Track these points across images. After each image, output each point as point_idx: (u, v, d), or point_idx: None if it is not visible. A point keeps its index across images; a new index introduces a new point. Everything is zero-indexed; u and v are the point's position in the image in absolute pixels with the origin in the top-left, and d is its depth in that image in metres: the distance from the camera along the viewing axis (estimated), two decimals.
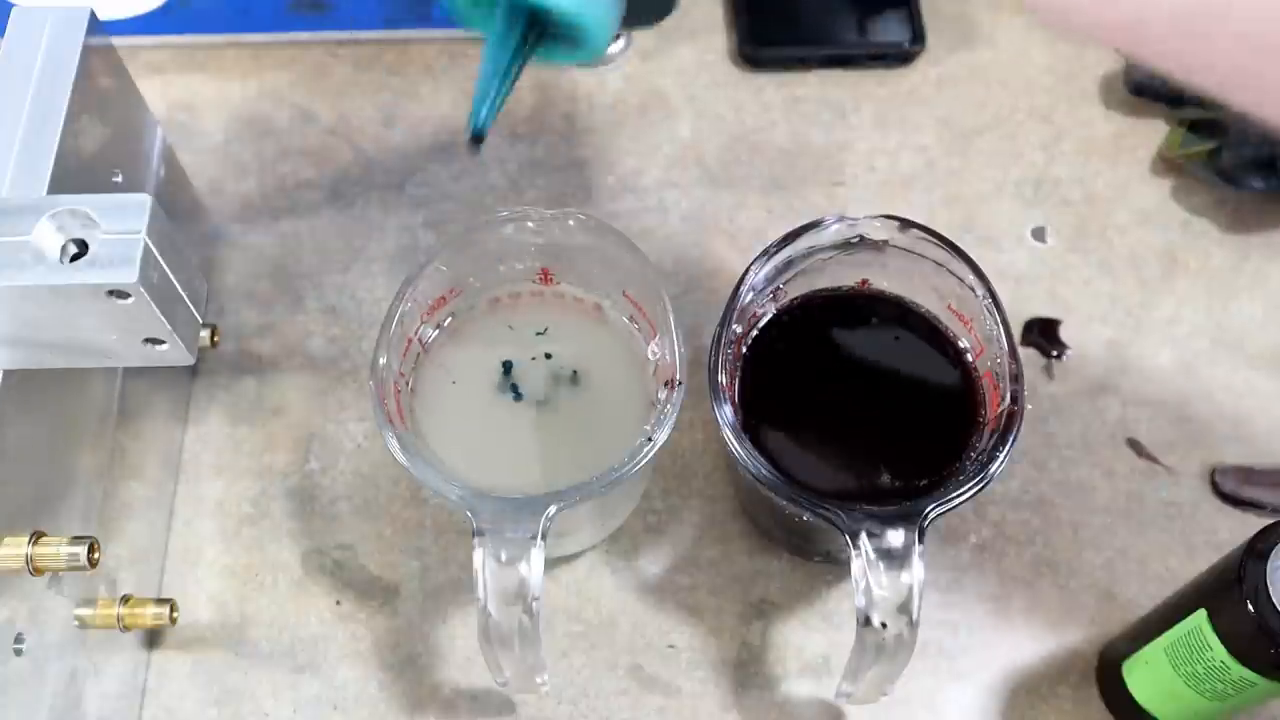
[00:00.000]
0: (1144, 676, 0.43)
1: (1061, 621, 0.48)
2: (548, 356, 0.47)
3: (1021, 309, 0.54)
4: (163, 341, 0.36)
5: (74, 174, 0.41)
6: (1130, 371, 0.53)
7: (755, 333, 0.47)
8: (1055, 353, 0.53)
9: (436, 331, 0.47)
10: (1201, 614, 0.38)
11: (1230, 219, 0.57)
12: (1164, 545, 0.49)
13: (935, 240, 0.44)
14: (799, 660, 0.47)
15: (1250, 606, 0.36)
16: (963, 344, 0.46)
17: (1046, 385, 0.53)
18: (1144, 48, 0.30)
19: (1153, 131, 0.59)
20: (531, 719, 0.46)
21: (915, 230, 0.44)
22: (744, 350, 0.46)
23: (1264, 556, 0.36)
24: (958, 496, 0.40)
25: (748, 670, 0.47)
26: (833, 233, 0.45)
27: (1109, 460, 0.51)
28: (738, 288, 0.44)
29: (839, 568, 0.49)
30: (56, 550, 0.37)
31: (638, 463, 0.40)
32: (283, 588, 0.49)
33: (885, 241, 0.45)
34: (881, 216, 0.44)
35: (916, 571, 0.38)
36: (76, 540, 0.38)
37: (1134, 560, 0.49)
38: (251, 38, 0.61)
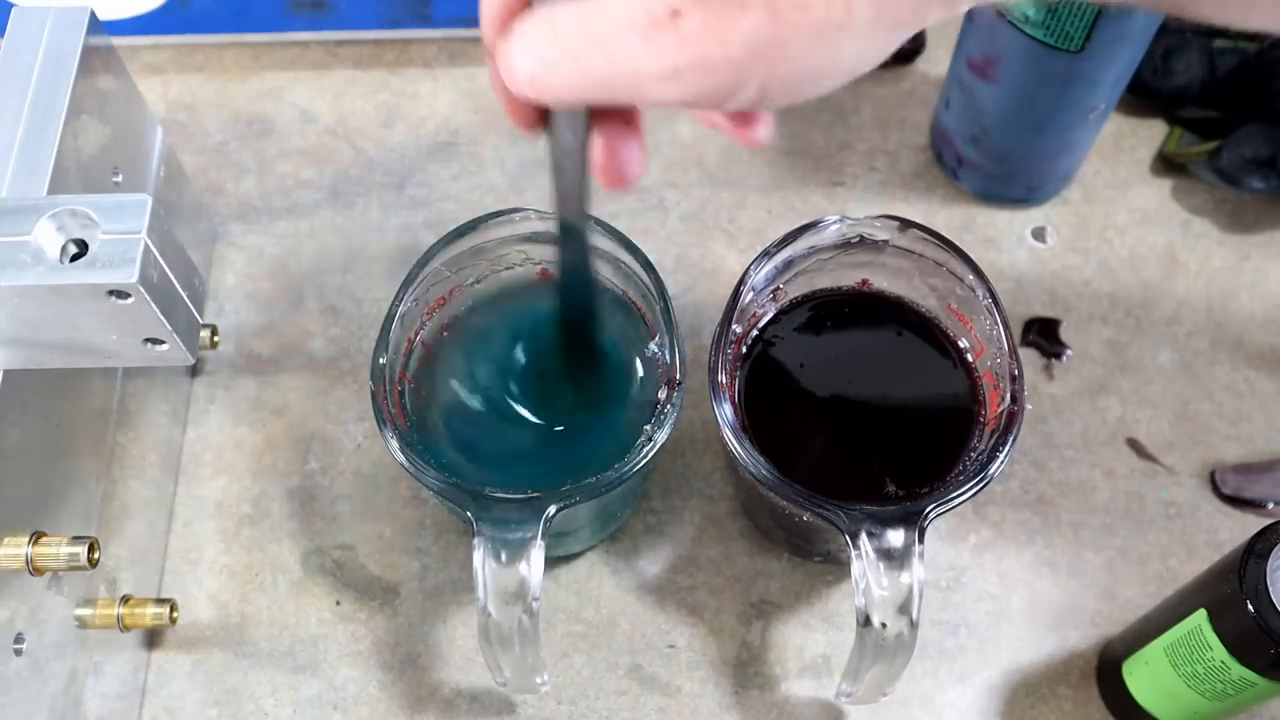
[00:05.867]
0: (1144, 676, 0.43)
1: (1061, 621, 0.48)
2: (547, 356, 0.47)
3: (1021, 309, 0.54)
4: (163, 341, 0.36)
5: (74, 174, 0.41)
6: (1130, 371, 0.53)
7: (755, 333, 0.47)
8: (1055, 353, 0.53)
9: (436, 331, 0.47)
10: (1201, 614, 0.38)
11: (1230, 219, 0.57)
12: (1164, 545, 0.49)
13: (935, 240, 0.44)
14: (799, 660, 0.47)
15: (1250, 606, 0.36)
16: (963, 344, 0.46)
17: (1046, 385, 0.53)
18: None
19: (1153, 131, 0.59)
20: (531, 719, 0.46)
21: (915, 230, 0.44)
22: (744, 350, 0.46)
23: (1264, 556, 0.36)
24: (958, 496, 0.40)
25: (748, 670, 0.47)
26: (833, 233, 0.45)
27: (1109, 460, 0.51)
28: (738, 288, 0.44)
29: (839, 568, 0.49)
30: (56, 550, 0.37)
31: (638, 463, 0.40)
32: (283, 588, 0.49)
33: (885, 241, 0.45)
34: (881, 216, 0.44)
35: (916, 571, 0.38)
36: (76, 540, 0.38)
37: (1134, 560, 0.49)
38: (251, 38, 0.61)
